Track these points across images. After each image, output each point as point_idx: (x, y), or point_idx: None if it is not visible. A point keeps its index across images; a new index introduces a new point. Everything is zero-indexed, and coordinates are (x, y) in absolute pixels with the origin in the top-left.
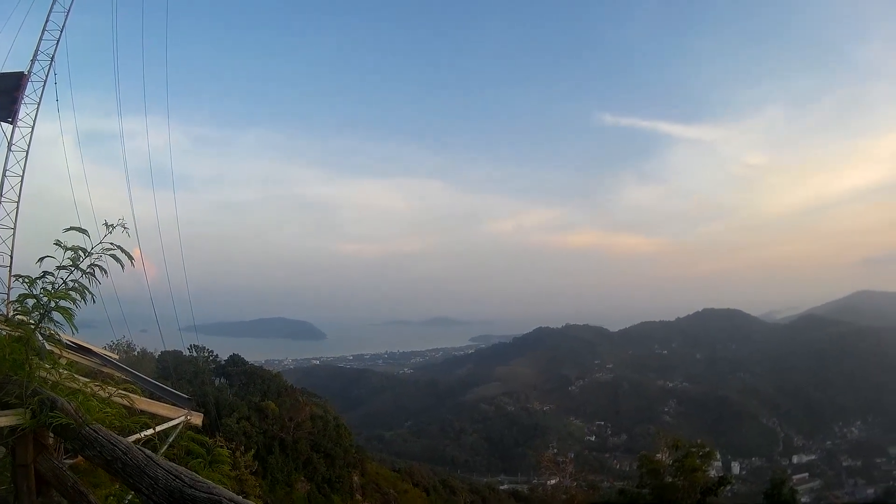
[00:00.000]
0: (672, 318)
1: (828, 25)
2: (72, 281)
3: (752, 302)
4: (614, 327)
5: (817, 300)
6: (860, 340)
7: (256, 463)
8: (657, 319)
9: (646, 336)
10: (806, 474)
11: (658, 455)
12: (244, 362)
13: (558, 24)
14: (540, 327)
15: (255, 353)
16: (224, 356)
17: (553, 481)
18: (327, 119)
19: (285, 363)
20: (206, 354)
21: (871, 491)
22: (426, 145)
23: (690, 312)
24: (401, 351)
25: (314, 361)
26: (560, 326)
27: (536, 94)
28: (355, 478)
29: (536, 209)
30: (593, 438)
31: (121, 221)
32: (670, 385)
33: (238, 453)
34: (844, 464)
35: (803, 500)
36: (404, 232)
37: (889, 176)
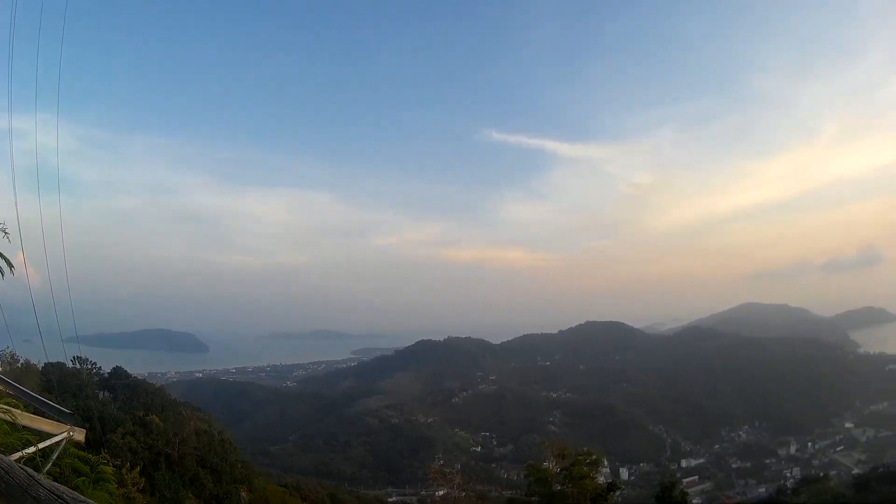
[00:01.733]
0: (555, 331)
1: (721, 54)
2: None
3: (635, 315)
4: (497, 340)
5: (703, 313)
6: (745, 350)
7: (143, 480)
8: (540, 332)
9: (529, 348)
10: (696, 477)
11: (545, 464)
12: (128, 375)
13: (449, 42)
14: (422, 340)
15: (139, 366)
16: (107, 368)
17: (441, 492)
18: (216, 126)
19: (169, 376)
20: (90, 367)
21: (762, 490)
22: (315, 157)
23: (573, 325)
24: (284, 364)
25: (197, 374)
26: (442, 339)
27: (425, 109)
28: (243, 494)
29: (421, 224)
30: (479, 449)
31: (1, 226)
32: (554, 396)
33: (124, 470)
34: (734, 466)
35: (694, 501)
36: (289, 244)
37: (774, 197)
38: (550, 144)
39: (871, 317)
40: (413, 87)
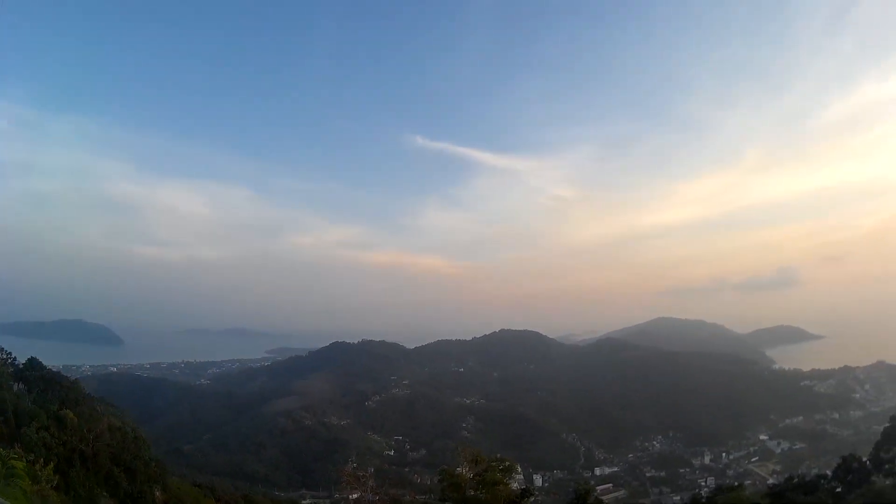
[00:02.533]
0: (469, 338)
1: (647, 77)
2: None
3: (550, 325)
4: (411, 345)
5: (617, 326)
6: (660, 362)
7: (58, 477)
8: (454, 339)
9: (443, 354)
10: (610, 485)
11: (459, 469)
12: (43, 367)
13: (379, 45)
14: (336, 342)
15: (53, 358)
16: (22, 359)
17: (355, 496)
18: (143, 112)
19: (83, 369)
20: (5, 357)
21: (677, 498)
22: (236, 152)
23: (488, 333)
24: (198, 360)
25: (112, 368)
26: (356, 342)
27: (350, 110)
28: (158, 493)
29: (339, 225)
30: (392, 453)
31: None
32: (468, 402)
33: (38, 466)
34: (648, 474)
35: None
36: (207, 238)
37: (693, 217)
38: (475, 153)
39: (787, 335)
40: (339, 88)
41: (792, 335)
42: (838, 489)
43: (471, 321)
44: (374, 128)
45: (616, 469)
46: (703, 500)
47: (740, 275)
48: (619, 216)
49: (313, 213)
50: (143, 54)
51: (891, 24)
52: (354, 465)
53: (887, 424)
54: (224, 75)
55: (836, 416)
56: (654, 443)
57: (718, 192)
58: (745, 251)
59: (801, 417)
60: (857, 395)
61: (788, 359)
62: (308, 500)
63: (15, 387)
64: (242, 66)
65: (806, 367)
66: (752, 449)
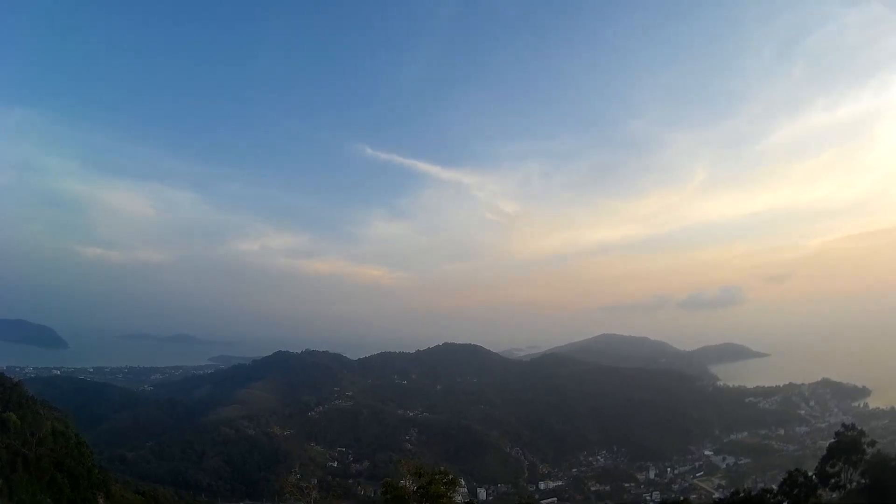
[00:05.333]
0: (412, 351)
1: (596, 96)
2: None
3: (493, 339)
4: (354, 355)
5: (561, 341)
6: (604, 378)
7: (1, 481)
8: (397, 350)
9: (386, 366)
10: (554, 499)
11: (402, 482)
12: None
13: (330, 54)
14: (279, 351)
15: None
16: None
17: None
18: (92, 108)
19: (27, 371)
20: None
21: None
22: (184, 154)
23: (431, 346)
24: (142, 366)
25: (55, 371)
26: (300, 352)
27: (299, 118)
28: (101, 500)
29: (284, 232)
30: (335, 464)
31: None
32: (411, 414)
33: None
34: (593, 488)
35: None
36: (152, 241)
37: (638, 234)
38: (422, 165)
39: (731, 352)
40: (288, 95)
41: (736, 353)
42: (784, 503)
43: (414, 333)
44: (321, 136)
45: (560, 483)
46: None
47: (684, 292)
48: (564, 232)
49: (259, 219)
50: (93, 50)
51: (840, 55)
52: (297, 476)
53: (833, 440)
54: (173, 77)
55: (781, 431)
56: (599, 457)
57: (663, 210)
58: (688, 269)
59: (745, 433)
60: (802, 412)
61: (733, 376)
62: None
63: None
64: (193, 69)
65: (750, 384)
66: (697, 464)
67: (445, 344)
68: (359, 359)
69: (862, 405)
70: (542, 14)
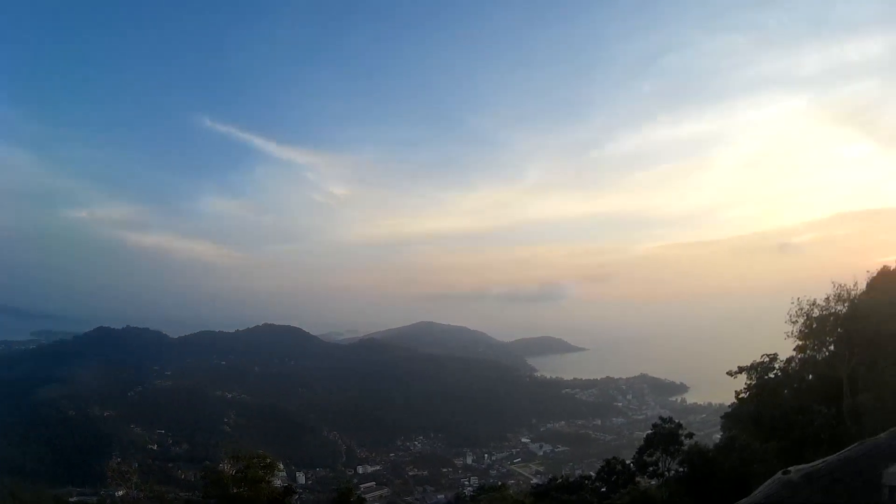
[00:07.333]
0: (232, 330)
1: (438, 88)
2: None
3: (313, 322)
4: (174, 333)
5: (380, 326)
6: (423, 365)
7: None
8: (217, 330)
9: (206, 345)
10: (373, 483)
11: (221, 466)
12: None
13: (180, 18)
14: (101, 327)
15: None
16: None
17: (121, 492)
18: None
19: None
20: None
21: (441, 497)
22: (18, 108)
23: (251, 326)
24: None
25: None
26: (121, 328)
27: (142, 81)
28: None
29: (116, 202)
30: (155, 447)
31: None
32: (230, 396)
33: None
34: (411, 473)
35: None
36: None
37: (464, 227)
38: (259, 141)
39: (550, 345)
40: (132, 57)
41: (554, 346)
42: (603, 489)
43: (235, 312)
44: (163, 102)
45: (378, 468)
46: (468, 499)
47: (505, 286)
48: (391, 219)
49: (91, 186)
50: None
51: (691, 78)
52: (119, 459)
53: (650, 431)
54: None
55: (599, 422)
56: (416, 443)
57: (492, 206)
58: (512, 264)
59: (563, 422)
60: (620, 404)
61: (551, 368)
62: (75, 498)
63: None
64: (41, 24)
65: (568, 377)
66: (514, 451)
67: (265, 324)
68: (179, 337)
69: (679, 400)
70: (402, 4)
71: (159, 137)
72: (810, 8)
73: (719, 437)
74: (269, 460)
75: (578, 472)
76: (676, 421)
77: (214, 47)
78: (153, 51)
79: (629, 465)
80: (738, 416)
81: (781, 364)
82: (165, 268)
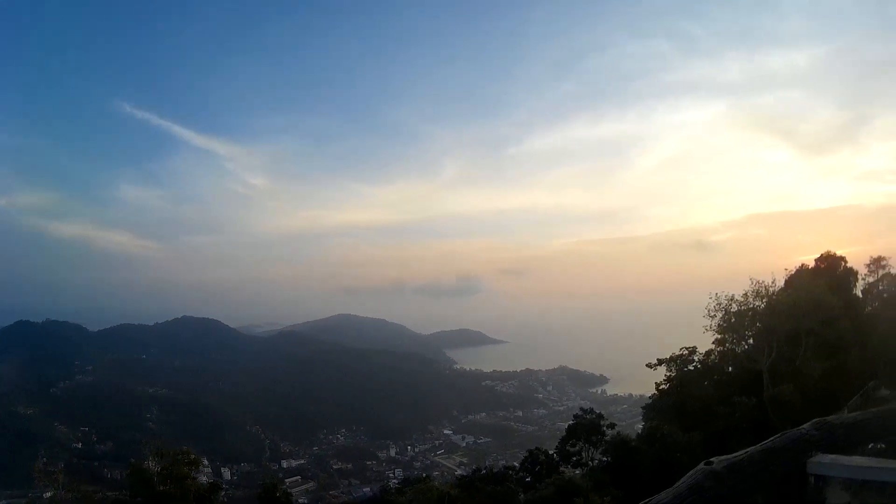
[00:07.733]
0: (151, 323)
1: (357, 79)
2: None
3: (230, 314)
4: (94, 326)
5: (298, 319)
6: (344, 357)
7: None
8: (136, 323)
9: (126, 339)
10: (298, 477)
11: (147, 463)
12: None
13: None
14: (21, 321)
15: None
16: None
17: (48, 494)
18: None
19: None
20: None
21: (367, 489)
22: None
23: (169, 319)
24: None
25: None
26: (41, 322)
27: (62, 63)
28: None
29: (33, 189)
30: (80, 445)
31: None
32: (151, 391)
33: None
34: (335, 467)
35: (301, 500)
36: None
37: (382, 220)
38: (177, 129)
39: (469, 338)
40: (47, 39)
41: (473, 338)
42: (528, 479)
43: (154, 304)
44: (84, 86)
45: (303, 462)
46: (393, 492)
47: (423, 279)
48: (310, 211)
49: (8, 172)
50: None
51: (613, 79)
52: (45, 459)
53: (572, 421)
54: None
55: (520, 413)
56: (339, 436)
57: (411, 199)
58: (430, 257)
59: (484, 414)
60: (540, 395)
61: (470, 360)
62: (5, 501)
63: None
64: None
65: (487, 369)
66: (437, 442)
67: (184, 317)
68: (99, 330)
69: (600, 392)
70: None
71: (78, 122)
72: (738, 19)
73: (641, 427)
74: (192, 456)
75: (502, 462)
76: (598, 412)
77: (135, 32)
78: (72, 35)
79: (553, 455)
80: (659, 406)
81: (701, 357)
82: (84, 258)
